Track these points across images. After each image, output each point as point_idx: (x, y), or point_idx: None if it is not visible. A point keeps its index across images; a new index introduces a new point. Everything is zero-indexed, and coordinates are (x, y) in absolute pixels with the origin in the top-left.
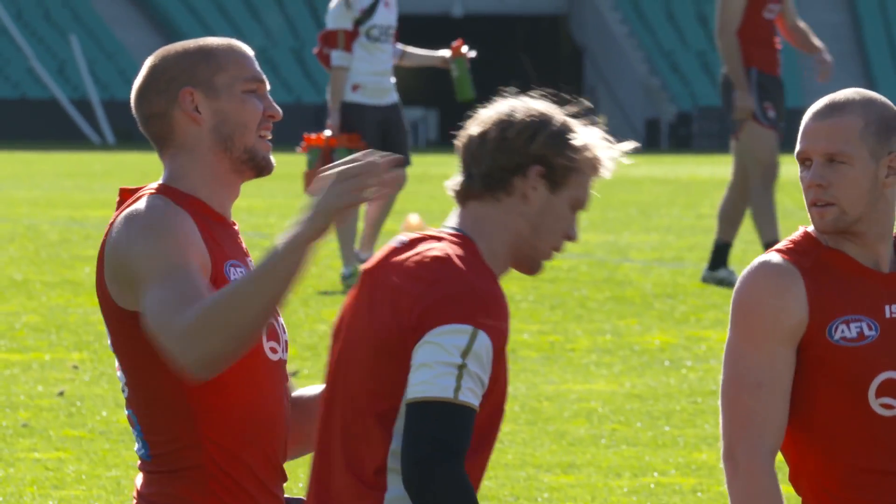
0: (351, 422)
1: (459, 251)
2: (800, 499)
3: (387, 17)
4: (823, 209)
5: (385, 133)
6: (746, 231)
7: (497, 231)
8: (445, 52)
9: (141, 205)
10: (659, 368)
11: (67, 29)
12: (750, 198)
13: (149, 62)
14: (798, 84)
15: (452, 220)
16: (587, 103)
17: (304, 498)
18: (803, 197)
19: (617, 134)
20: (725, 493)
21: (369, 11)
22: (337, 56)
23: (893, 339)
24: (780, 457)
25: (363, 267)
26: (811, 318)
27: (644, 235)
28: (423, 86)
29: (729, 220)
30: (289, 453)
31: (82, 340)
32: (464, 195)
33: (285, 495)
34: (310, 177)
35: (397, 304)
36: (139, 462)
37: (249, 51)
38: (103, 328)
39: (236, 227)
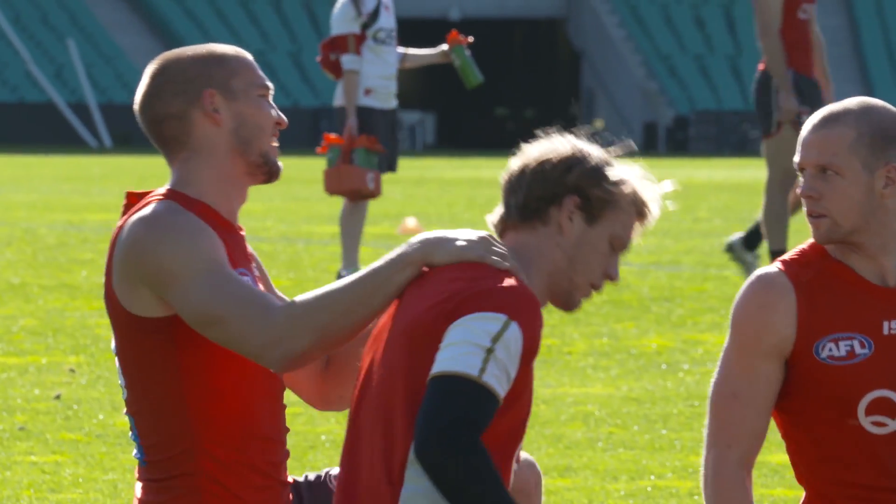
0: (382, 412)
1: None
2: None
3: (389, 20)
4: (817, 220)
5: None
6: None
7: (534, 260)
8: (443, 46)
9: (158, 208)
10: (656, 372)
11: (65, 33)
12: (764, 204)
13: (158, 65)
14: None
15: None
16: (632, 145)
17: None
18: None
19: (614, 137)
20: None
21: (374, 15)
22: (348, 60)
23: (889, 357)
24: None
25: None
26: (798, 336)
27: (641, 238)
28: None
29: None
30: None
31: (79, 344)
32: (502, 226)
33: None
34: (330, 175)
35: (436, 298)
36: (137, 467)
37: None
38: (100, 331)
39: (242, 233)
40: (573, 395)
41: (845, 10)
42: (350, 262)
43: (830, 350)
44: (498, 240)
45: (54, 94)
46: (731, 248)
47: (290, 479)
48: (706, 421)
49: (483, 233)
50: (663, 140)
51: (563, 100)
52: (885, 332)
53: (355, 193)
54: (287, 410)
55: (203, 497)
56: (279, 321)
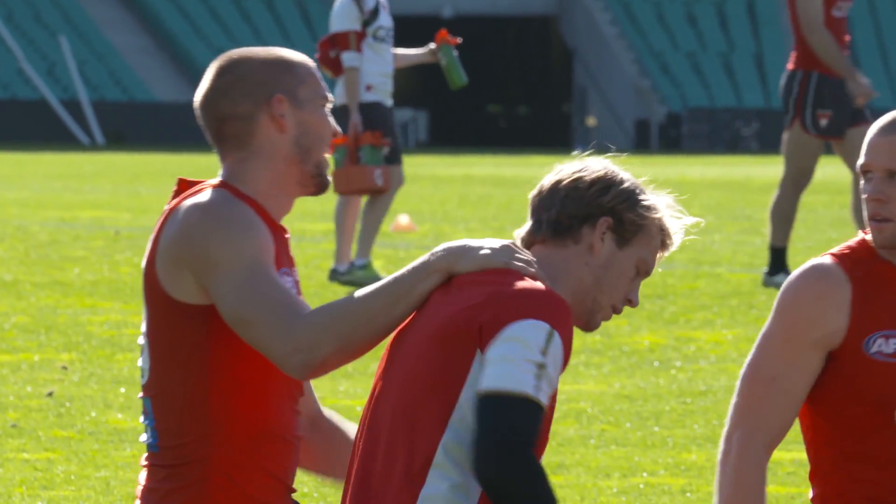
0: (403, 412)
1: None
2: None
3: (387, 18)
4: (882, 224)
5: None
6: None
7: (560, 276)
8: (431, 45)
9: (215, 197)
10: (648, 369)
11: (57, 30)
12: (775, 198)
13: (227, 63)
14: None
15: None
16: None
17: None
18: (864, 208)
19: (607, 135)
20: None
21: (374, 13)
22: (349, 57)
23: None
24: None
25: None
26: (850, 329)
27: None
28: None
29: (855, 214)
30: (313, 469)
31: (71, 341)
32: (530, 240)
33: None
34: (338, 177)
35: (468, 302)
36: (145, 454)
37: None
38: (92, 329)
39: (287, 236)
40: (565, 392)
41: None
42: (364, 253)
43: (880, 346)
44: (522, 248)
45: (46, 92)
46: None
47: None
48: (733, 399)
49: (507, 241)
50: (656, 137)
51: (555, 97)
52: None
53: (365, 192)
54: None
55: (209, 488)
56: (302, 329)
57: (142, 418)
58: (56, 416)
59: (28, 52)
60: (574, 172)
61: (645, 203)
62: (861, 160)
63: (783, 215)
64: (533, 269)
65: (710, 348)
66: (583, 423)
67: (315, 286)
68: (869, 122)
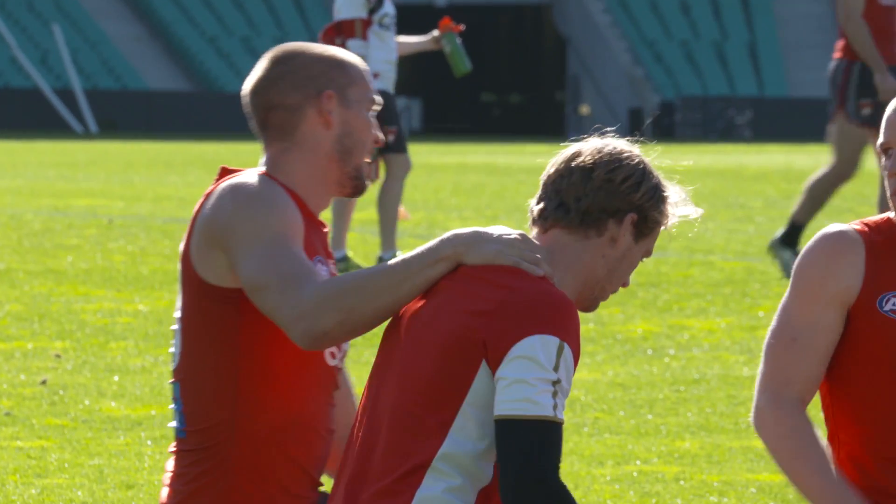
0: (403, 413)
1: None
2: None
3: (391, 6)
4: None
5: None
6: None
7: (574, 264)
8: (434, 32)
9: (248, 179)
10: (642, 357)
11: (50, 18)
12: (817, 174)
13: (281, 54)
14: None
15: None
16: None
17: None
18: (886, 185)
19: (600, 123)
20: (708, 481)
21: (380, 0)
22: (355, 45)
23: None
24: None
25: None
26: (864, 286)
27: None
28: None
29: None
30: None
31: (65, 329)
32: (552, 221)
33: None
34: None
35: (475, 307)
36: (173, 442)
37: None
38: (86, 317)
39: (325, 230)
40: None
41: None
42: (389, 246)
43: (894, 304)
44: (532, 241)
45: (39, 80)
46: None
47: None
48: (759, 369)
49: (517, 232)
50: (649, 126)
51: (549, 86)
52: None
53: None
54: None
55: (235, 471)
56: (308, 298)
57: (171, 405)
58: (49, 405)
59: (21, 40)
60: (609, 163)
61: (668, 200)
62: (881, 138)
63: (815, 196)
64: (541, 271)
65: (703, 336)
66: (576, 411)
67: None
68: None
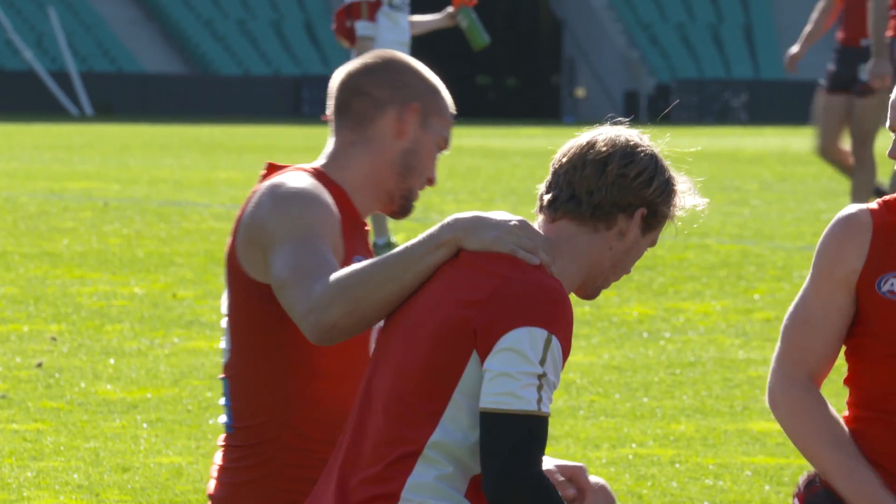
0: (396, 400)
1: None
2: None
3: None
4: None
5: None
6: None
7: (579, 255)
8: (448, 9)
9: (290, 177)
10: (637, 340)
11: (45, 1)
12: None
13: (387, 56)
14: None
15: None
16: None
17: None
18: None
19: (596, 106)
20: (703, 464)
21: None
22: (362, 26)
23: None
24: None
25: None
26: (865, 268)
27: None
28: None
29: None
30: None
31: (60, 312)
32: (562, 213)
33: None
34: None
35: (468, 296)
36: (222, 435)
37: None
38: (81, 300)
39: (367, 229)
40: None
41: None
42: (381, 232)
43: (892, 285)
44: (532, 228)
45: (35, 63)
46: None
47: None
48: (775, 350)
49: (518, 219)
50: (645, 109)
51: (544, 69)
52: None
53: None
54: None
55: (280, 469)
56: (318, 291)
57: (221, 400)
58: (45, 387)
59: (16, 23)
60: (622, 157)
61: (678, 195)
62: (888, 122)
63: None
64: (538, 259)
65: (698, 319)
66: (572, 394)
67: None
68: None
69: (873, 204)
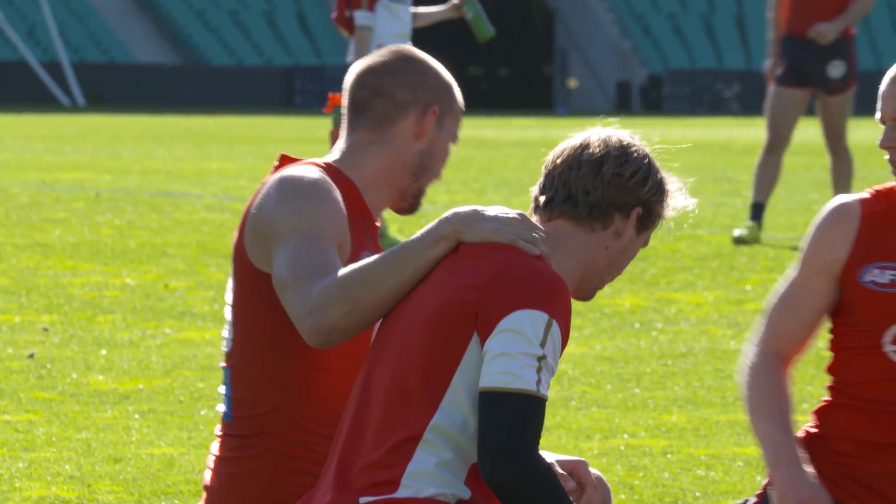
0: (397, 386)
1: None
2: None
3: None
4: None
5: None
6: None
7: (575, 254)
8: (453, 1)
9: (298, 170)
10: (629, 331)
11: None
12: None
13: (408, 54)
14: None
15: None
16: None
17: None
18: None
19: (588, 96)
20: (695, 454)
21: None
22: (361, 16)
23: None
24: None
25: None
26: (849, 258)
27: None
28: None
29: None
30: None
31: (52, 303)
32: (558, 213)
33: None
34: (335, 136)
35: (467, 280)
36: (219, 424)
37: None
38: (73, 290)
39: (377, 225)
40: None
41: None
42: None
43: (874, 276)
44: (531, 221)
45: (27, 53)
46: None
47: None
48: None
49: (516, 212)
50: (637, 99)
51: (536, 59)
52: None
53: None
54: None
55: (278, 460)
56: (317, 291)
57: (221, 388)
58: (37, 378)
59: (8, 13)
60: (617, 157)
61: (671, 194)
62: (878, 114)
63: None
64: (538, 250)
65: (690, 310)
66: (564, 384)
67: None
68: None
69: (865, 193)
